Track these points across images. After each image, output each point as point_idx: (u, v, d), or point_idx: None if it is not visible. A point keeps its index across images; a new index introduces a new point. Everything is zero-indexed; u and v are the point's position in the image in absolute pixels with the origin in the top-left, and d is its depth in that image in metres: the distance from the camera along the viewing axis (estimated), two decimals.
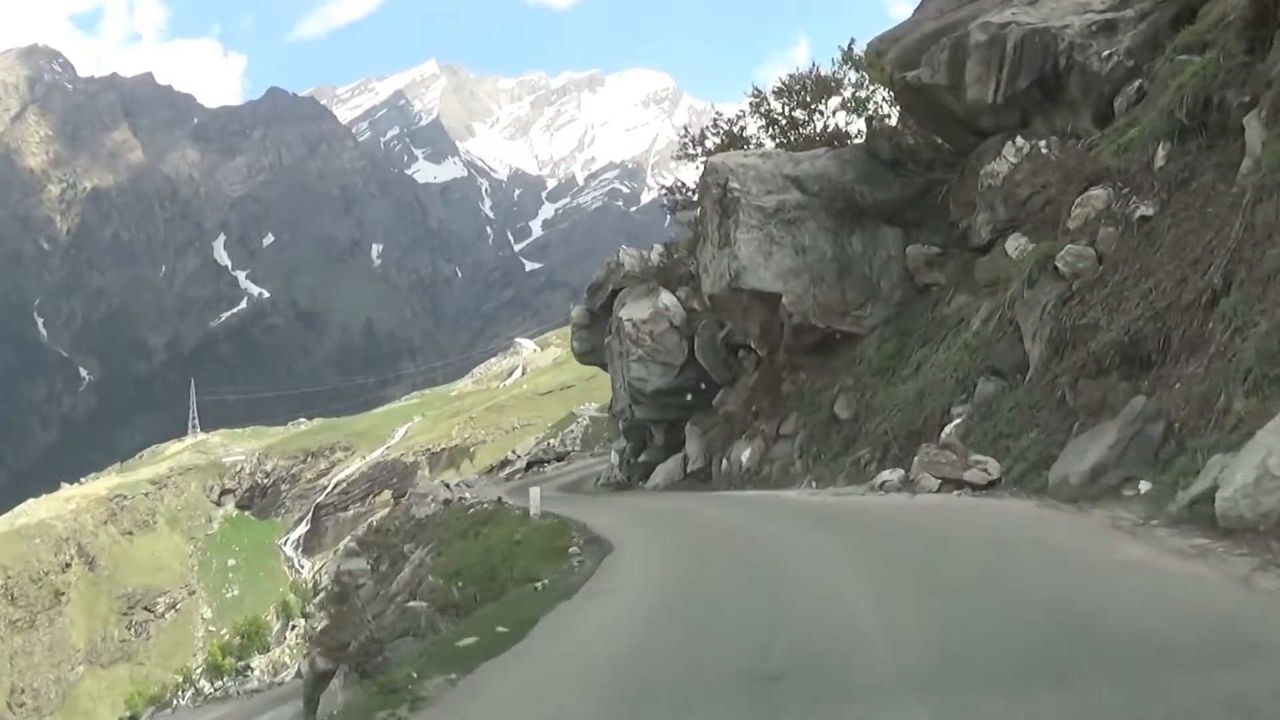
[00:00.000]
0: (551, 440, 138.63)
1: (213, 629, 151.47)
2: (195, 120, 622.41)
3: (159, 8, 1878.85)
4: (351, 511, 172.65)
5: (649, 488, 57.73)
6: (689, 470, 53.61)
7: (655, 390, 58.88)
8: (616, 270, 69.98)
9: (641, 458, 63.66)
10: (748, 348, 52.21)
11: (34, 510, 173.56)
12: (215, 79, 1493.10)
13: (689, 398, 57.95)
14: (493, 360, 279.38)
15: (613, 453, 73.72)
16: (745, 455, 45.49)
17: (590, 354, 76.46)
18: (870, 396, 36.41)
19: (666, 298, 60.21)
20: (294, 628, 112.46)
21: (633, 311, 60.42)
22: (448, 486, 77.59)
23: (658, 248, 71.22)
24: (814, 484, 34.76)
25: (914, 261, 40.13)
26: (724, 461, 48.52)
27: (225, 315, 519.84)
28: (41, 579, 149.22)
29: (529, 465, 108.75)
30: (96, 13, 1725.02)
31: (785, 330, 44.08)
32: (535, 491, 48.08)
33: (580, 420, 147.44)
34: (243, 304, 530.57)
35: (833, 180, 42.09)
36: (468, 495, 69.98)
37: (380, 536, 75.50)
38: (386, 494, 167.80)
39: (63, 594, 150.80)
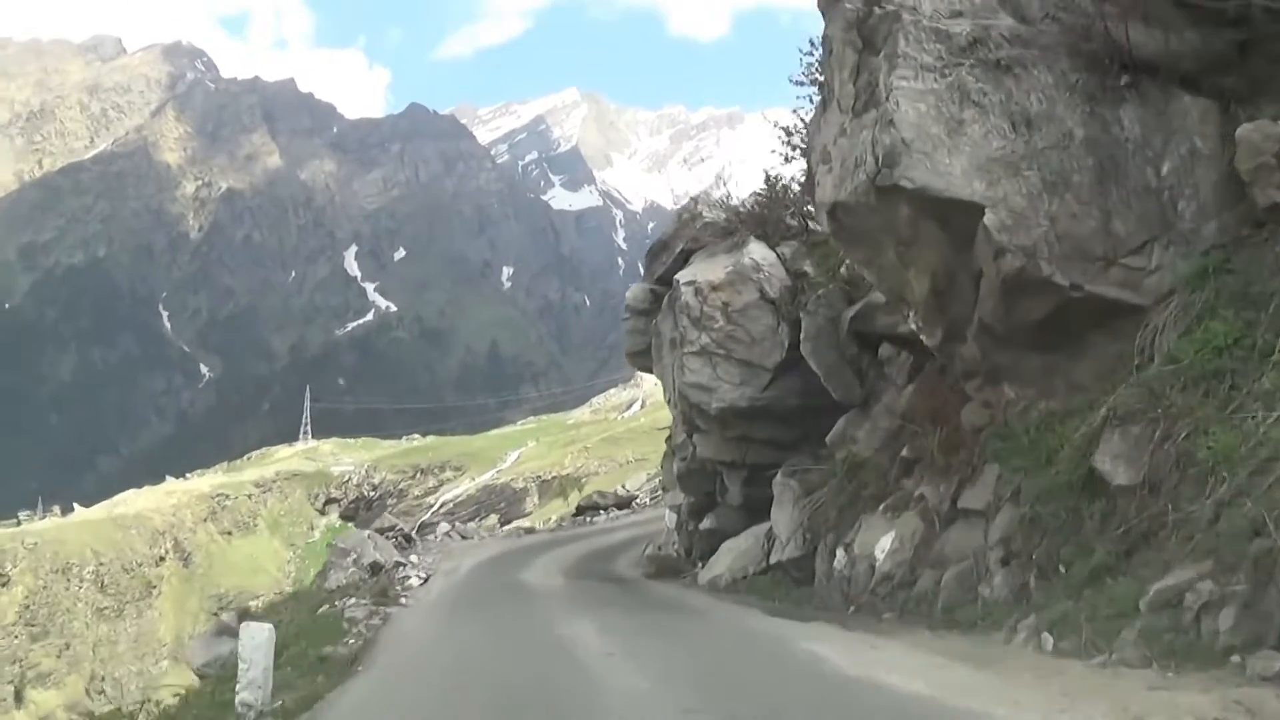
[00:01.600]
0: (659, 479, 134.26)
1: None
2: (335, 130, 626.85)
3: (306, 15, 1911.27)
4: (477, 525, 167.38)
5: (704, 582, 34.54)
6: (773, 559, 31.28)
7: (728, 409, 35.49)
8: (690, 223, 42.77)
9: (705, 523, 39.50)
10: (897, 339, 29.11)
11: (133, 501, 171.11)
12: (357, 90, 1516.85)
13: (787, 427, 35.45)
14: (613, 391, 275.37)
15: (667, 512, 47.96)
16: (884, 546, 24.23)
17: (647, 354, 45.46)
18: (1183, 438, 16.60)
19: (757, 250, 36.60)
20: None
21: (699, 272, 36.96)
22: (406, 540, 63.25)
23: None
24: (1050, 639, 16.08)
25: (1251, 158, 18.43)
26: (839, 552, 26.44)
27: (351, 325, 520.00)
28: (134, 570, 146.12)
29: (578, 511, 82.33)
30: (244, 16, 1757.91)
31: (984, 289, 20.84)
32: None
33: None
34: (369, 315, 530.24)
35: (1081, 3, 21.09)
36: (408, 562, 48.95)
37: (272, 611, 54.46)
38: (493, 518, 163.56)
39: (154, 587, 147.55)
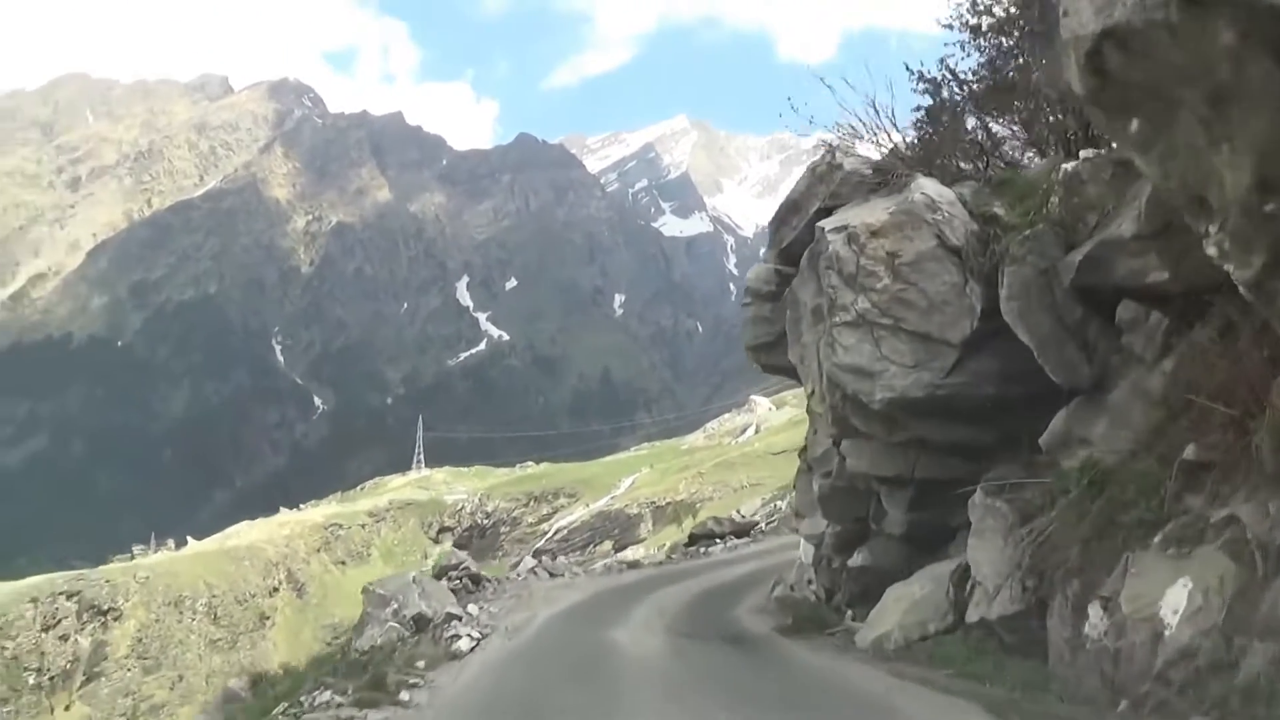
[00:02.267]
0: (779, 502, 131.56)
1: None
2: (444, 162, 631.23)
3: (413, 50, 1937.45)
4: (571, 560, 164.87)
5: (866, 645, 24.35)
6: (972, 615, 21.81)
7: (897, 401, 24.73)
8: (827, 175, 30.78)
9: (855, 559, 30.44)
10: (1148, 292, 19.48)
11: (246, 533, 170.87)
12: (466, 122, 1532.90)
13: (978, 426, 24.72)
14: (726, 416, 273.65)
15: (802, 544, 37.56)
16: (1174, 603, 15.06)
17: (775, 347, 33.65)
18: None
19: (930, 186, 25.86)
20: None
21: (853, 216, 26.57)
22: (473, 582, 45.59)
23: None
24: None
25: None
26: (1092, 611, 16.93)
27: (464, 355, 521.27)
28: (248, 601, 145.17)
29: (690, 540, 70.93)
30: (350, 52, 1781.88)
31: None
32: None
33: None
34: (482, 345, 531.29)
35: None
36: (465, 614, 37.44)
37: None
38: (607, 544, 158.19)
39: (268, 618, 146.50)
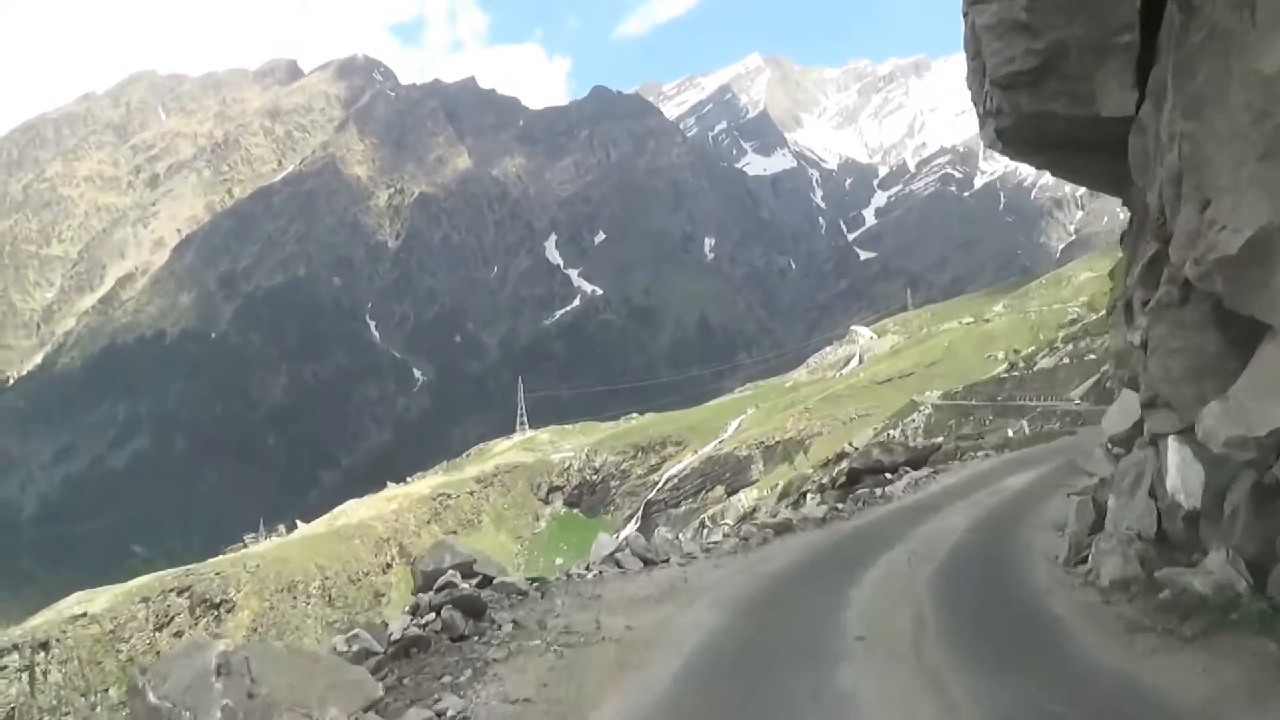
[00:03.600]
0: (891, 431, 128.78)
1: None
2: (521, 123, 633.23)
3: (480, 15, 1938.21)
4: (683, 508, 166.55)
5: None
6: None
7: None
8: None
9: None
10: None
11: (355, 511, 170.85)
12: (540, 82, 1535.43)
13: None
14: (828, 350, 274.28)
15: (1173, 466, 17.22)
16: None
17: (1046, 77, 17.93)
18: None
19: None
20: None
21: None
22: (468, 613, 18.36)
23: None
24: None
25: None
26: None
27: (559, 313, 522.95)
28: (361, 580, 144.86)
29: (852, 478, 49.94)
30: (417, 22, 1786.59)
31: None
32: None
33: (923, 410, 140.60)
34: (576, 302, 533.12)
35: None
36: None
37: None
38: (719, 489, 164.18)
39: (383, 595, 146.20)
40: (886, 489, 39.44)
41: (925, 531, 28.16)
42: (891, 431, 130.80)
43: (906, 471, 44.76)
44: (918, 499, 36.48)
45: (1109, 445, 22.17)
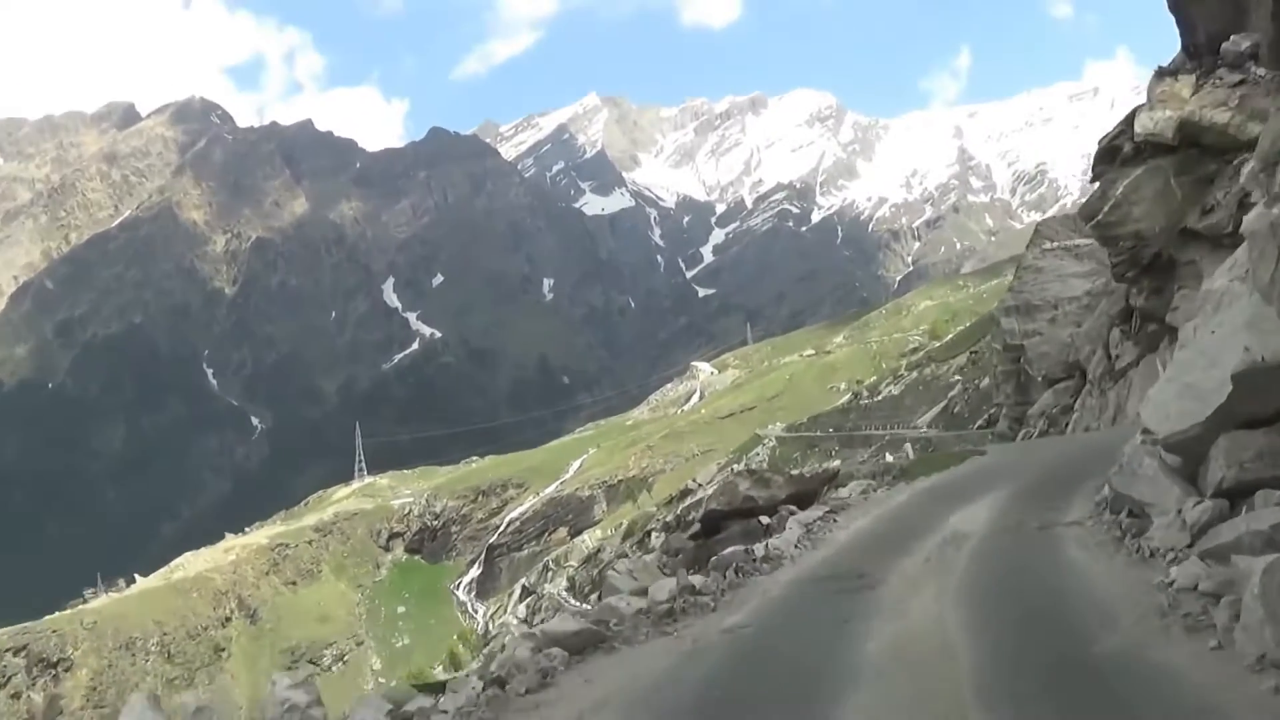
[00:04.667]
0: (736, 465, 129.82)
1: (382, 680, 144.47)
2: (358, 165, 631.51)
3: (318, 56, 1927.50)
4: (526, 551, 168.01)
5: None
6: None
7: None
8: None
9: None
10: None
11: (192, 563, 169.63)
12: (378, 123, 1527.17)
13: None
14: (669, 387, 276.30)
15: (1150, 463, 16.57)
16: None
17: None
18: None
19: None
20: None
21: None
22: None
23: None
24: None
25: None
26: None
27: (397, 357, 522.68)
28: (200, 634, 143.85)
29: (708, 525, 31.88)
30: (255, 64, 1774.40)
31: None
32: None
33: (767, 443, 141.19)
34: (414, 345, 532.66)
35: None
36: None
37: None
38: (563, 531, 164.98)
39: (223, 649, 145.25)
40: (770, 543, 24.84)
41: (881, 648, 14.65)
42: (736, 466, 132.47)
43: (792, 512, 29.34)
44: (826, 560, 22.55)
45: (1162, 457, 16.27)
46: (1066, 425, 55.34)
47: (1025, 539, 20.20)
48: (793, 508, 29.80)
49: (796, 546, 24.36)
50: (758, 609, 18.07)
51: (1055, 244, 69.27)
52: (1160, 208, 35.26)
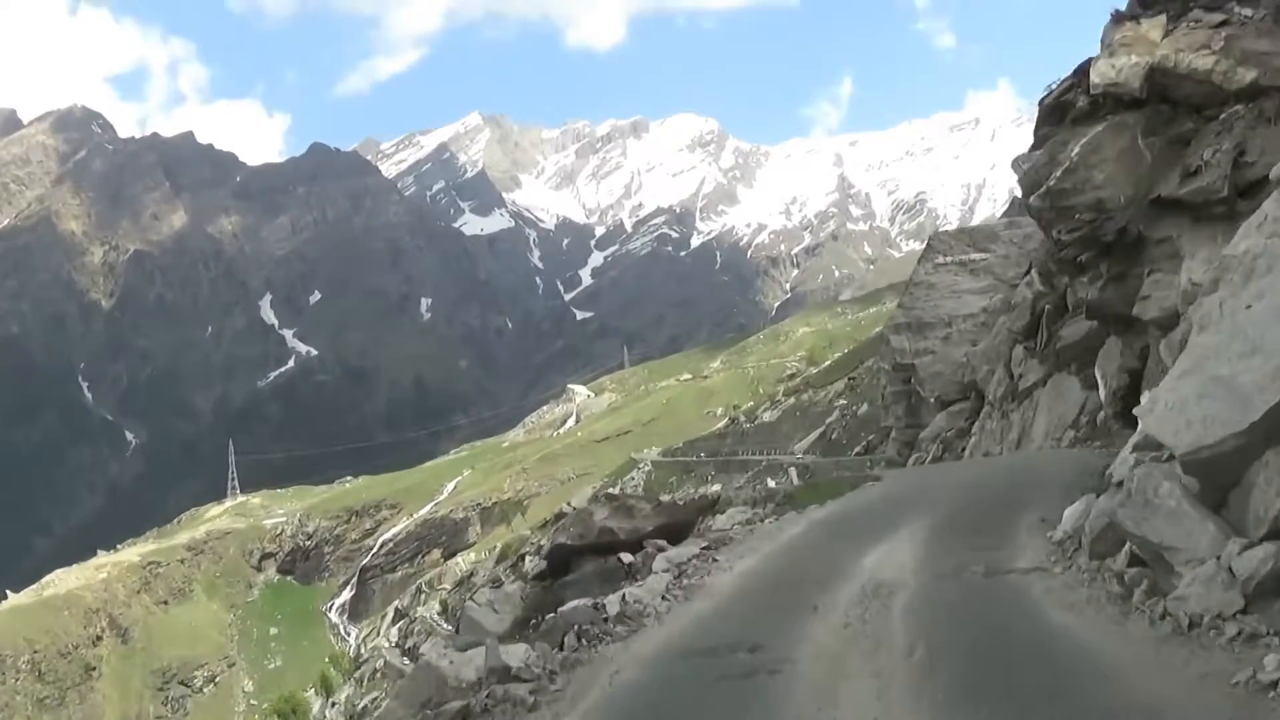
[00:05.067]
0: (612, 489, 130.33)
1: (254, 703, 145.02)
2: (238, 179, 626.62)
3: (202, 68, 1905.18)
4: (400, 573, 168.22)
5: None
6: None
7: None
8: None
9: None
10: None
11: (63, 580, 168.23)
12: (260, 138, 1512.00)
13: None
14: (544, 409, 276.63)
15: (1168, 487, 12.90)
16: None
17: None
18: None
19: None
20: (334, 705, 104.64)
21: None
22: None
23: None
24: None
25: None
26: None
27: (273, 374, 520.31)
28: (71, 653, 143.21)
29: (554, 562, 25.43)
30: (138, 74, 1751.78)
31: None
32: None
33: (642, 467, 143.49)
34: (290, 363, 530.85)
35: None
36: None
37: None
38: (436, 553, 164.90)
39: (94, 669, 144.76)
40: (629, 593, 19.42)
41: None
42: (611, 490, 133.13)
43: (660, 549, 23.82)
44: (703, 620, 17.03)
45: (1181, 480, 12.80)
46: (963, 450, 52.03)
47: (975, 592, 15.78)
48: (662, 543, 23.40)
49: (665, 597, 18.74)
50: (601, 711, 12.90)
51: (949, 259, 65.69)
52: (1126, 173, 28.17)
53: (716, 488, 68.73)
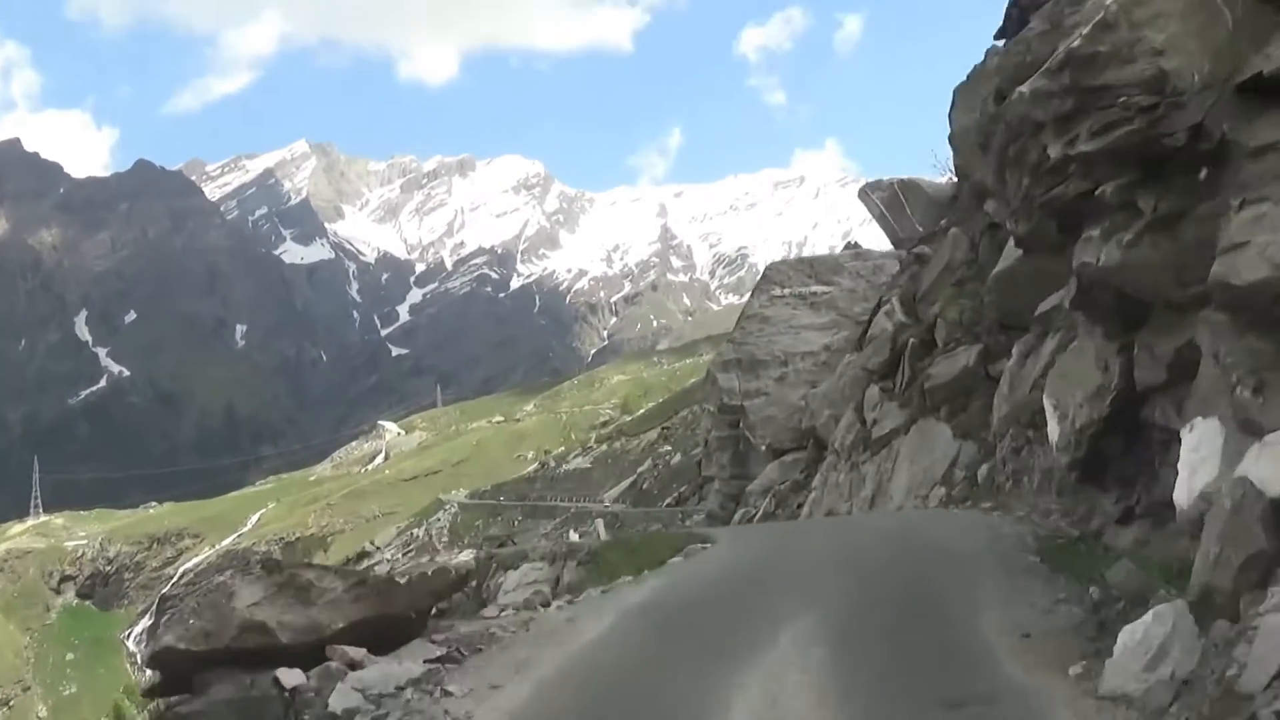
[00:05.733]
0: (416, 530, 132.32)
1: None
2: (61, 190, 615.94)
3: (34, 75, 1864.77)
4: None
5: None
6: None
7: None
8: None
9: None
10: None
11: None
12: (86, 150, 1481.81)
13: None
14: (354, 445, 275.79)
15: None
16: None
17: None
18: None
19: None
20: None
21: None
22: None
23: None
24: None
25: None
26: None
27: (84, 393, 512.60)
28: None
29: (161, 682, 15.23)
30: None
31: None
32: None
33: (449, 508, 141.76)
34: (103, 382, 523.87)
35: None
36: None
37: None
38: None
39: None
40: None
41: None
42: (416, 530, 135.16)
43: (353, 664, 14.36)
44: None
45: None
46: (799, 506, 44.08)
47: None
48: (358, 653, 14.62)
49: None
50: None
51: (786, 291, 60.48)
52: (1197, 38, 16.89)
53: (465, 556, 46.21)
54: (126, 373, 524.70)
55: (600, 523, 65.73)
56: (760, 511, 49.06)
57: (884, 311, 42.07)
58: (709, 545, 24.31)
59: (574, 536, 57.89)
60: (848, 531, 25.53)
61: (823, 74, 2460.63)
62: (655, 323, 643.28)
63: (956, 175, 40.06)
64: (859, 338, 46.83)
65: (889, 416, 35.47)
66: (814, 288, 58.97)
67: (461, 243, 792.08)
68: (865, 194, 55.38)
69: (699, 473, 75.96)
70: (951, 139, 35.82)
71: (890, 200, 54.19)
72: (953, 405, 30.46)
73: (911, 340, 35.61)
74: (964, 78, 33.87)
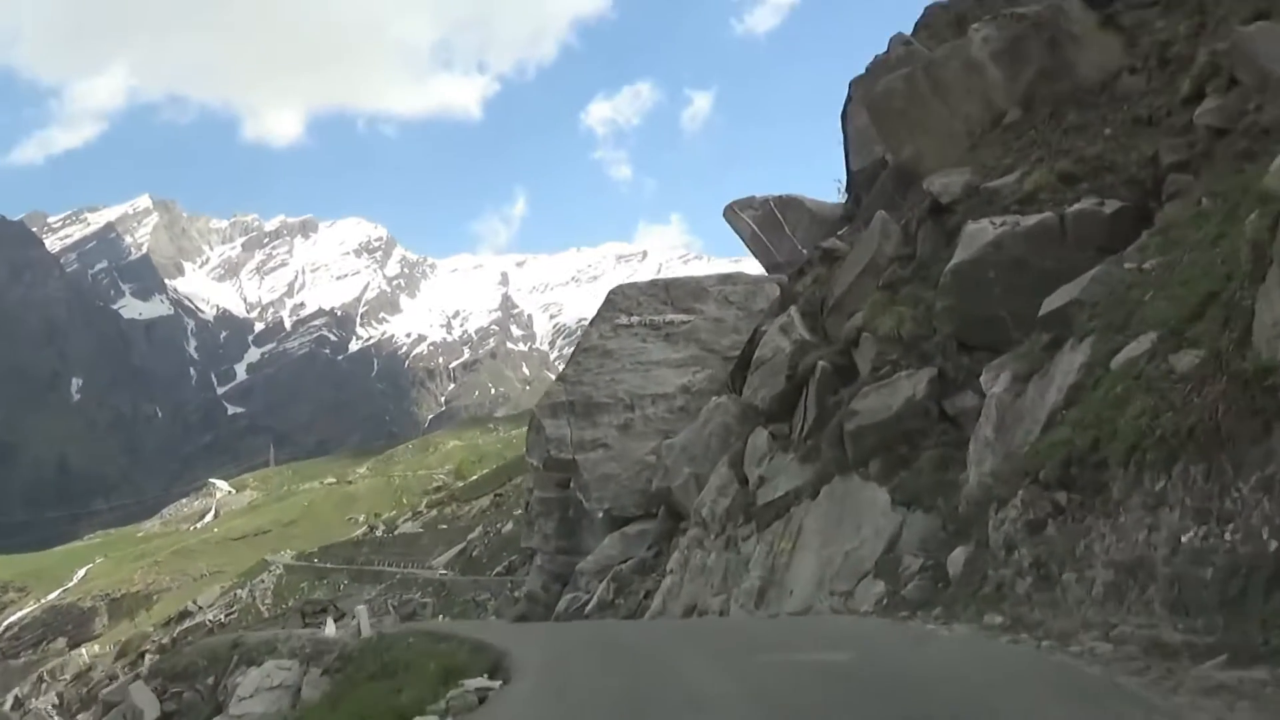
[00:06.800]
0: (240, 591, 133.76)
1: None
2: None
3: None
4: (23, 659, 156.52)
5: None
6: None
7: None
8: None
9: None
10: None
11: None
12: None
13: None
14: (184, 501, 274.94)
15: None
16: None
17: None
18: None
19: None
20: None
21: None
22: None
23: None
24: None
25: None
26: None
27: None
28: None
29: None
30: None
31: None
32: None
33: (274, 570, 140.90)
34: None
35: None
36: None
37: None
38: (62, 641, 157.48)
39: None
40: None
41: None
42: (240, 591, 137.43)
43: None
44: None
45: None
46: (647, 596, 35.00)
47: None
48: None
49: None
50: None
51: (634, 319, 49.61)
52: None
53: (137, 688, 48.23)
54: None
55: (363, 610, 47.46)
56: (594, 599, 39.30)
57: (778, 327, 32.86)
58: (496, 687, 15.04)
59: (330, 628, 47.85)
60: (755, 660, 13.62)
61: (669, 149, 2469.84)
62: (493, 390, 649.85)
63: (887, 155, 35.49)
64: (733, 371, 39.75)
65: (785, 474, 26.39)
66: (670, 316, 49.13)
67: (301, 303, 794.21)
68: (733, 212, 49.53)
69: (522, 543, 62.97)
70: (853, 133, 38.67)
71: (765, 219, 49.05)
72: (888, 458, 21.63)
73: (821, 365, 26.81)
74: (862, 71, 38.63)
